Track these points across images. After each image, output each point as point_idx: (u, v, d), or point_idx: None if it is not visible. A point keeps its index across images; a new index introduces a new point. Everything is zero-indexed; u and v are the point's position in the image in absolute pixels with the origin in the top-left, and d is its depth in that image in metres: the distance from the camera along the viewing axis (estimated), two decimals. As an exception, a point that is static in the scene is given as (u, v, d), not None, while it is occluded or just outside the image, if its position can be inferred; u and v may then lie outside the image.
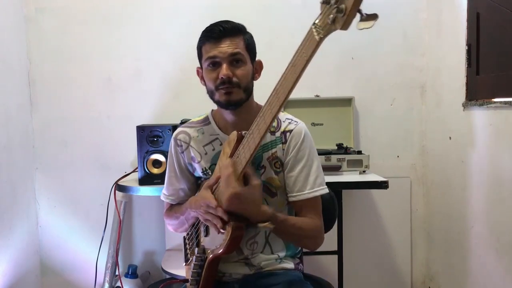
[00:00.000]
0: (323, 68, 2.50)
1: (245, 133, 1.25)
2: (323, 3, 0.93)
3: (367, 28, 0.89)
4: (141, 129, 2.16)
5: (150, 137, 2.15)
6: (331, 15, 0.90)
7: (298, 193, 1.39)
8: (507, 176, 1.84)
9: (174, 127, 2.16)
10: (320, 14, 0.94)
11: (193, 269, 1.36)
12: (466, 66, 2.12)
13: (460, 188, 2.20)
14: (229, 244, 1.25)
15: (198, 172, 1.48)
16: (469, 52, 2.09)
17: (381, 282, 2.60)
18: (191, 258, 1.47)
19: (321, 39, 0.95)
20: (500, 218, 1.89)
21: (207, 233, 1.40)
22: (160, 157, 2.14)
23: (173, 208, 1.54)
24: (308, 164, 1.40)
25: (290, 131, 1.41)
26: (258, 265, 1.41)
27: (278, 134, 1.42)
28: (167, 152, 2.10)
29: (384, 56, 2.55)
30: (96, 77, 2.53)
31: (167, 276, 2.22)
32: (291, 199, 1.41)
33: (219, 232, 1.27)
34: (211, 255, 1.33)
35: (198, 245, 1.44)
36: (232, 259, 1.40)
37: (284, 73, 1.07)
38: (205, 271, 1.35)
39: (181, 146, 1.49)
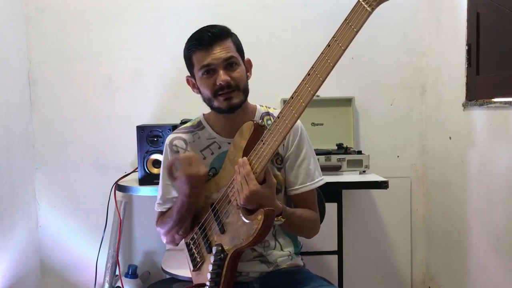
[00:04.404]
0: (323, 68, 2.49)
1: (261, 121, 1.26)
2: None
3: None
4: (141, 129, 2.16)
5: (150, 137, 2.15)
6: None
7: (301, 186, 1.43)
8: (507, 176, 1.84)
9: (174, 127, 2.16)
10: None
11: (212, 270, 1.32)
12: (466, 66, 2.12)
13: (460, 188, 2.20)
14: (261, 232, 1.23)
15: None
16: (469, 52, 2.10)
17: (381, 282, 2.60)
18: (201, 261, 1.43)
19: (372, 10, 1.05)
20: (500, 218, 1.89)
21: (223, 231, 1.35)
22: (160, 157, 2.14)
23: (164, 215, 1.50)
24: (308, 157, 1.44)
25: None
26: (275, 262, 1.43)
27: None
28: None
29: (384, 56, 2.55)
30: (96, 77, 2.52)
31: (167, 276, 2.22)
32: (293, 192, 1.44)
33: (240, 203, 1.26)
34: (233, 250, 1.30)
35: (210, 245, 1.40)
36: (246, 258, 1.40)
37: (324, 50, 1.11)
38: (226, 269, 1.32)
39: (178, 152, 1.47)
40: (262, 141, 1.24)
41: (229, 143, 1.42)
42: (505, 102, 1.83)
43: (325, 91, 2.54)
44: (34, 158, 2.53)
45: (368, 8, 1.03)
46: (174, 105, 2.52)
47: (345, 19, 1.07)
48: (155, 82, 2.53)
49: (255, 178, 1.22)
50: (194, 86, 1.44)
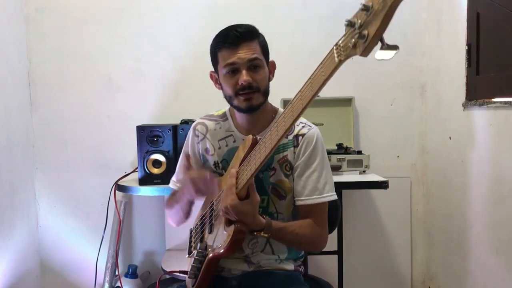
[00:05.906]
0: (323, 68, 2.50)
1: (259, 138, 1.26)
2: (347, 25, 0.91)
3: (386, 60, 0.89)
4: (141, 129, 2.16)
5: (150, 137, 2.15)
6: (353, 39, 0.88)
7: (306, 198, 1.39)
8: (507, 176, 1.84)
9: (174, 127, 2.16)
10: (344, 35, 0.92)
11: (193, 263, 1.36)
12: (466, 66, 2.12)
13: (460, 188, 2.20)
14: (230, 246, 1.27)
15: (210, 164, 1.49)
16: (469, 52, 2.10)
17: (381, 282, 2.60)
18: (194, 252, 1.46)
19: (340, 62, 0.94)
20: (500, 218, 1.90)
21: (211, 230, 1.38)
22: (160, 157, 2.14)
23: (173, 197, 1.54)
24: (318, 170, 1.40)
25: (303, 135, 1.41)
26: (258, 263, 1.42)
27: (290, 137, 1.42)
28: (167, 152, 2.13)
29: (384, 56, 2.54)
30: (96, 77, 2.52)
31: (167, 276, 2.22)
32: (298, 203, 1.41)
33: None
34: (211, 254, 1.33)
35: (202, 240, 1.43)
36: (232, 256, 1.39)
37: (301, 88, 1.07)
38: (204, 268, 1.35)
39: (198, 136, 1.51)
40: (248, 159, 1.24)
41: (243, 140, 1.42)
42: (505, 102, 1.83)
43: (325, 91, 2.55)
44: (34, 158, 2.53)
45: (336, 59, 0.95)
46: (174, 105, 2.52)
47: (321, 62, 1.01)
48: (155, 82, 2.53)
49: (235, 193, 1.23)
50: (217, 82, 1.45)
